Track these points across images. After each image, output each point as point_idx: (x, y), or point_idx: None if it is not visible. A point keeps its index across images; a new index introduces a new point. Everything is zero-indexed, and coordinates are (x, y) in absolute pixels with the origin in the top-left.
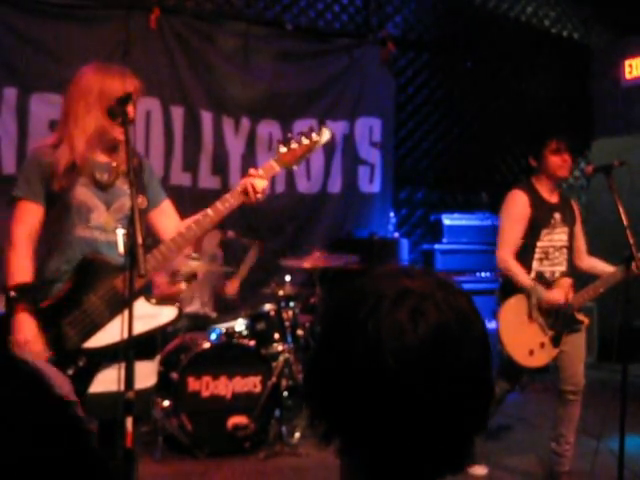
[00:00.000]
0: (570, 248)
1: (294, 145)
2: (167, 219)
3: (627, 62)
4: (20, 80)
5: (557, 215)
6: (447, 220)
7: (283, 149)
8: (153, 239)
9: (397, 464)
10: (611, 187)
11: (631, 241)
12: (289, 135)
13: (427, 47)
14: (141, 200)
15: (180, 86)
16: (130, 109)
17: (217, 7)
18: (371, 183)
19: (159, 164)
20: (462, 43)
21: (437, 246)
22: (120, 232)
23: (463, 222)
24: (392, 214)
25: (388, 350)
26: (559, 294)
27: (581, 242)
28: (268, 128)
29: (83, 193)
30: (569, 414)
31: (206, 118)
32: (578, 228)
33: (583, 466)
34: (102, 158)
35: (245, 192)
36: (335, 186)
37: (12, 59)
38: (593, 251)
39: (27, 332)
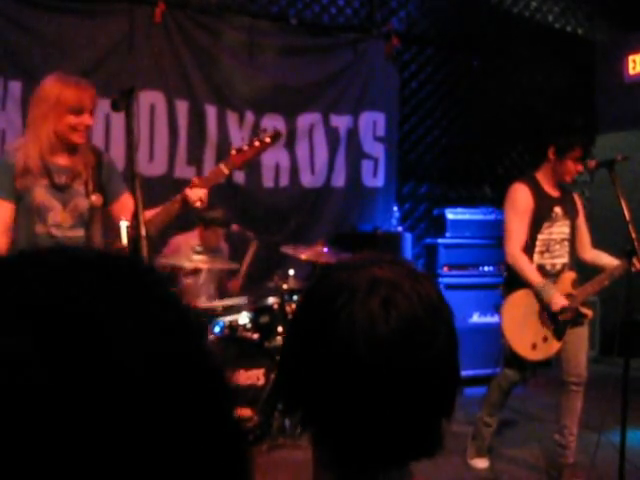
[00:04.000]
0: (572, 241)
1: (245, 148)
2: (124, 211)
3: (631, 57)
4: (25, 73)
5: (558, 209)
6: (450, 214)
7: (233, 152)
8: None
9: (368, 450)
10: (614, 182)
11: (633, 236)
12: (241, 139)
13: (431, 42)
14: (95, 198)
15: (184, 80)
16: (86, 118)
17: (222, 1)
18: (375, 177)
19: (163, 157)
20: (466, 38)
21: (440, 240)
22: (124, 224)
23: (466, 216)
24: (396, 208)
25: (361, 340)
26: (562, 299)
27: (584, 235)
28: (272, 122)
29: (42, 194)
30: (572, 405)
31: (210, 112)
32: (581, 221)
33: (584, 460)
34: (61, 161)
35: (184, 201)
36: (339, 180)
37: (17, 53)
38: (596, 245)
39: None
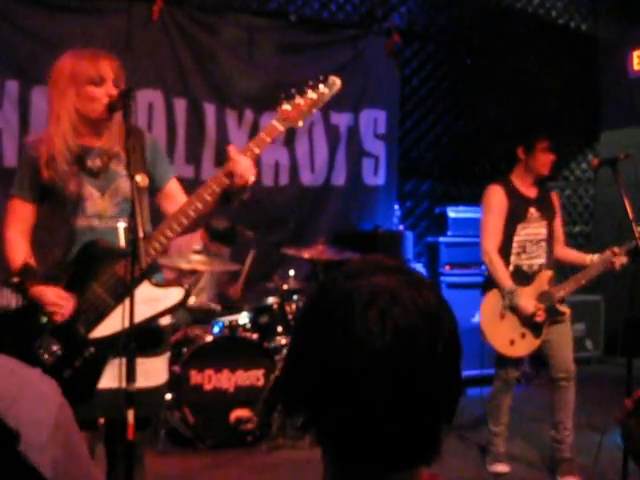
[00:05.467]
0: (549, 241)
1: (298, 100)
2: (171, 202)
3: (635, 53)
4: (21, 73)
5: (533, 210)
6: (452, 213)
7: (286, 106)
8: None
9: (367, 456)
10: (617, 180)
11: (637, 234)
12: (292, 90)
13: (432, 38)
14: (141, 178)
15: (183, 78)
16: (110, 88)
17: None
18: (376, 175)
19: None
20: (468, 34)
21: (442, 239)
22: (121, 225)
23: (468, 215)
24: (397, 207)
25: (358, 353)
26: (529, 305)
27: (559, 233)
28: (272, 120)
29: (75, 183)
30: (564, 400)
31: (209, 110)
32: (557, 221)
33: (587, 460)
34: (91, 142)
35: (230, 175)
36: (339, 178)
37: (13, 52)
38: (599, 244)
39: (50, 295)
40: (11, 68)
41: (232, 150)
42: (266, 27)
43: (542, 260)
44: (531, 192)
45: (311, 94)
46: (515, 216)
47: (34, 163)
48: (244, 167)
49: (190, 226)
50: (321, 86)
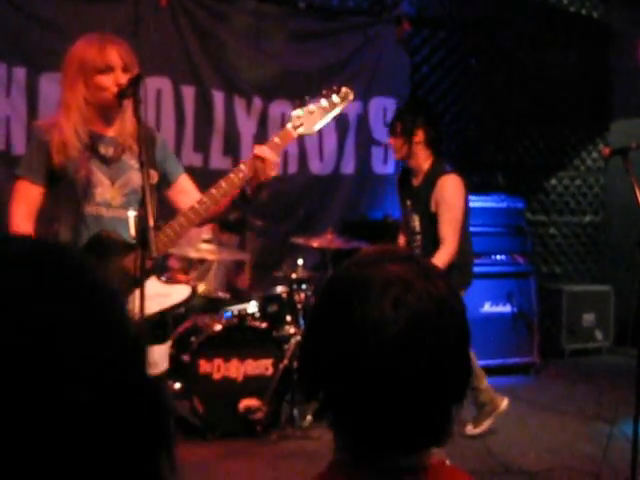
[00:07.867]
0: (426, 233)
1: (312, 108)
2: (185, 196)
3: None
4: (29, 60)
5: (409, 202)
6: None
7: (299, 112)
8: (165, 220)
9: (382, 437)
10: (628, 170)
11: None
12: (306, 98)
13: (442, 25)
14: (152, 175)
15: (191, 66)
16: (119, 76)
17: None
18: (385, 164)
19: (170, 144)
20: (478, 21)
21: None
22: (131, 214)
23: (478, 204)
24: None
25: (372, 340)
26: None
27: (440, 230)
28: (280, 108)
29: (86, 169)
30: None
31: (217, 98)
32: (440, 214)
33: (597, 451)
34: (104, 131)
35: (258, 163)
36: (348, 167)
37: (21, 39)
38: (609, 234)
39: None
40: (19, 55)
41: (257, 149)
42: (275, 14)
43: (417, 252)
44: (416, 181)
45: (324, 102)
46: (401, 207)
47: (45, 147)
48: (270, 155)
49: (204, 220)
50: (334, 96)
